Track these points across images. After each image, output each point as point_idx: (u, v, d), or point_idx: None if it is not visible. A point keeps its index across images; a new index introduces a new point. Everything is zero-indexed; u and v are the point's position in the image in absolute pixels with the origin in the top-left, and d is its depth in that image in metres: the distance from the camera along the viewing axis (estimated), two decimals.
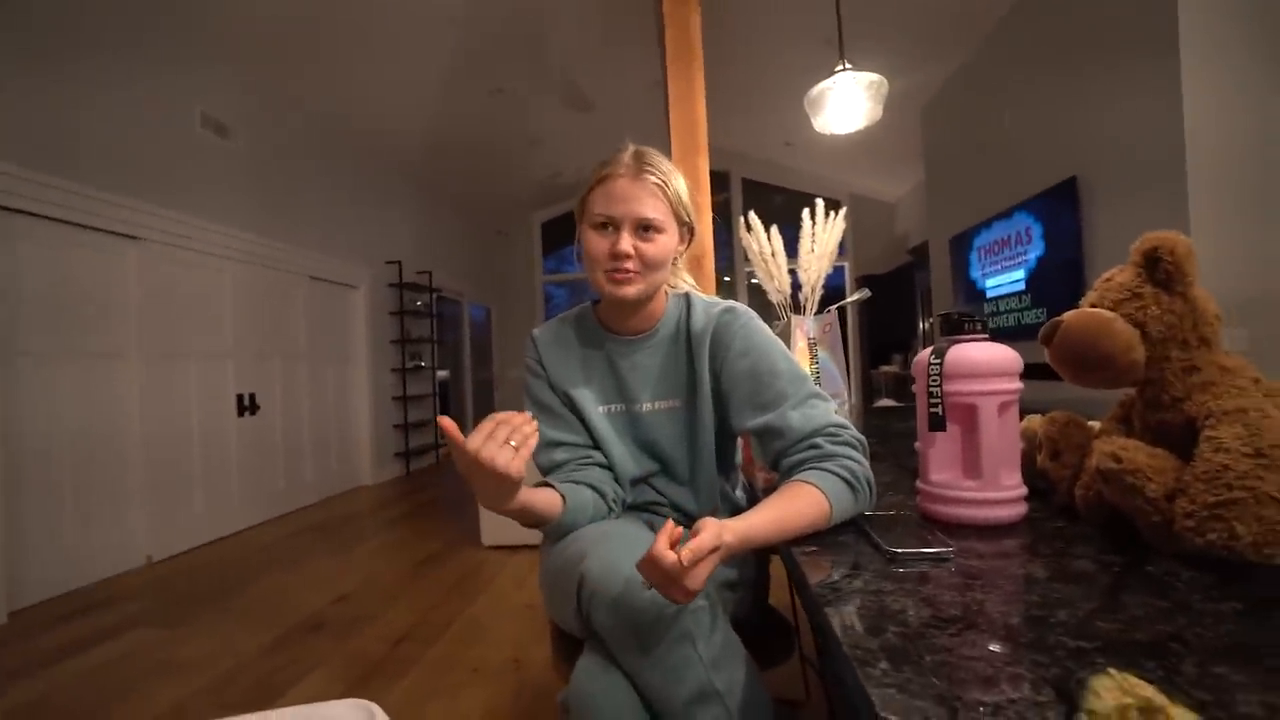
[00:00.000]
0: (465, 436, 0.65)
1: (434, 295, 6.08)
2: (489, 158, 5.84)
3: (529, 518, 0.82)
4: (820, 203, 1.45)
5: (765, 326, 0.96)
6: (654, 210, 0.87)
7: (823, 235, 1.43)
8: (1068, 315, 0.68)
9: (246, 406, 3.79)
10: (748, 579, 0.95)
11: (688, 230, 0.96)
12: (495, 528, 3.06)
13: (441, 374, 6.57)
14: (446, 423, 0.66)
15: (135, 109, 3.09)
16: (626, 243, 0.86)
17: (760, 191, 6.93)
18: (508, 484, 0.69)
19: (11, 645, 2.16)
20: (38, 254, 2.66)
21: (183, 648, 2.08)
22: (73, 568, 2.71)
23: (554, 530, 0.87)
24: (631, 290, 0.88)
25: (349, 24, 3.55)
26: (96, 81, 2.89)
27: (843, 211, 1.45)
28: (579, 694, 0.74)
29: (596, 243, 0.88)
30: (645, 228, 0.87)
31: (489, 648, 1.98)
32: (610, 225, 0.88)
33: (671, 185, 0.90)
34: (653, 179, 0.88)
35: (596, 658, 0.75)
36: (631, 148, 0.92)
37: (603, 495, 0.92)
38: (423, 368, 5.92)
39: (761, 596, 1.04)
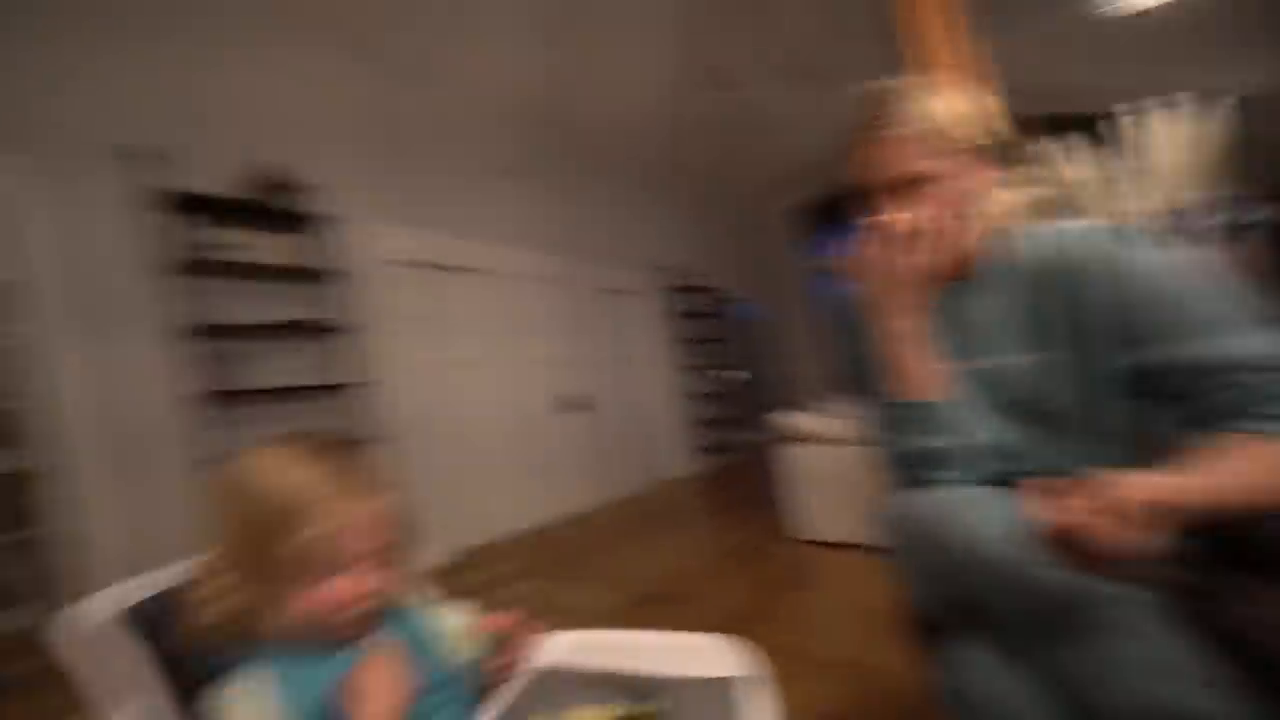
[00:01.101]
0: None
1: (711, 296, 6.35)
2: (731, 150, 5.71)
3: (907, 346, 0.79)
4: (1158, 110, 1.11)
5: (1146, 245, 0.73)
6: (902, 163, 0.73)
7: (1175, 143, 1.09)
8: None
9: (572, 405, 4.51)
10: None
11: (979, 151, 0.76)
12: (814, 523, 2.91)
13: (736, 373, 6.72)
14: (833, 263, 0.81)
15: None
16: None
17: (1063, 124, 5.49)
18: (910, 287, 0.77)
19: (450, 576, 2.99)
20: (421, 289, 3.61)
21: (564, 597, 2.65)
22: (483, 525, 3.72)
23: (915, 421, 0.79)
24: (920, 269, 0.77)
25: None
26: None
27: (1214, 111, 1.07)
28: (973, 690, 0.67)
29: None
30: (903, 190, 0.74)
31: (822, 643, 1.93)
32: (871, 204, 0.78)
33: (915, 119, 0.73)
34: (886, 131, 0.74)
35: (987, 647, 0.67)
36: (864, 102, 0.78)
37: None
38: (716, 367, 6.19)
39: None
